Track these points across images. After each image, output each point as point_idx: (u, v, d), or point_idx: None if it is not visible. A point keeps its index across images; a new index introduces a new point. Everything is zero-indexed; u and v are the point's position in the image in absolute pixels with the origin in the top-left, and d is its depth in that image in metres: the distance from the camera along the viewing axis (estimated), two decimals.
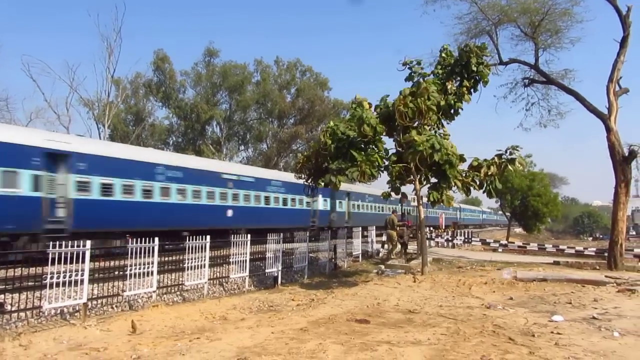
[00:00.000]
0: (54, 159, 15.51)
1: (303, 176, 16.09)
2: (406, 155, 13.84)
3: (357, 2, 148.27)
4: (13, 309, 9.24)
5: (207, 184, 21.24)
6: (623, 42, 19.67)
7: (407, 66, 15.45)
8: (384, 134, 14.68)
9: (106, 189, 17.12)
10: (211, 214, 21.43)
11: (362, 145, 14.22)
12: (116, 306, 11.11)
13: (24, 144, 14.98)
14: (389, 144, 15.24)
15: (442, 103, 14.45)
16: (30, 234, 14.66)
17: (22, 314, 9.25)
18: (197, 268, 12.86)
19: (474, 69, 14.80)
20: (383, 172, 14.76)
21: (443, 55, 15.64)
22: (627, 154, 18.85)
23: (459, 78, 15.22)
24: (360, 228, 22.96)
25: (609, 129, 19.22)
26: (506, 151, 14.55)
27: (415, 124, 14.29)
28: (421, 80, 14.82)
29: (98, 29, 64.29)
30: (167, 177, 19.48)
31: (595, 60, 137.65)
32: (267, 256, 15.57)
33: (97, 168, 16.85)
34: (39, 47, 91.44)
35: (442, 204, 14.57)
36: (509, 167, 14.33)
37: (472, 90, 15.26)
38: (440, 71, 15.36)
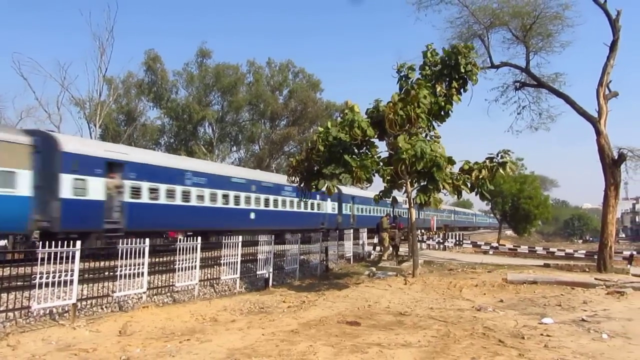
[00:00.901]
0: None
1: (295, 179, 16.06)
2: (393, 161, 13.87)
3: (356, 2, 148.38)
4: (1, 308, 9.16)
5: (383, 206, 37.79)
6: (613, 46, 19.77)
7: (399, 72, 15.41)
8: (375, 137, 14.66)
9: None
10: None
11: (355, 150, 14.21)
12: (106, 307, 11.05)
13: (281, 183, 25.81)
14: (381, 147, 15.26)
15: (433, 106, 14.47)
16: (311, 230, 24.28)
17: (11, 314, 9.17)
18: (188, 269, 12.82)
19: (463, 69, 14.80)
20: (375, 176, 14.76)
21: (428, 55, 15.59)
22: (616, 157, 18.95)
23: (447, 79, 15.20)
24: (352, 230, 23.99)
25: (598, 132, 19.32)
26: (497, 155, 14.62)
27: (406, 128, 14.28)
28: (413, 85, 14.79)
29: (90, 28, 63.48)
30: (358, 202, 36.61)
31: (586, 64, 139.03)
32: (258, 258, 15.54)
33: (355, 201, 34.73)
34: (29, 45, 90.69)
35: (429, 206, 14.65)
36: (500, 171, 14.40)
37: (461, 90, 15.26)
38: (428, 72, 15.33)
